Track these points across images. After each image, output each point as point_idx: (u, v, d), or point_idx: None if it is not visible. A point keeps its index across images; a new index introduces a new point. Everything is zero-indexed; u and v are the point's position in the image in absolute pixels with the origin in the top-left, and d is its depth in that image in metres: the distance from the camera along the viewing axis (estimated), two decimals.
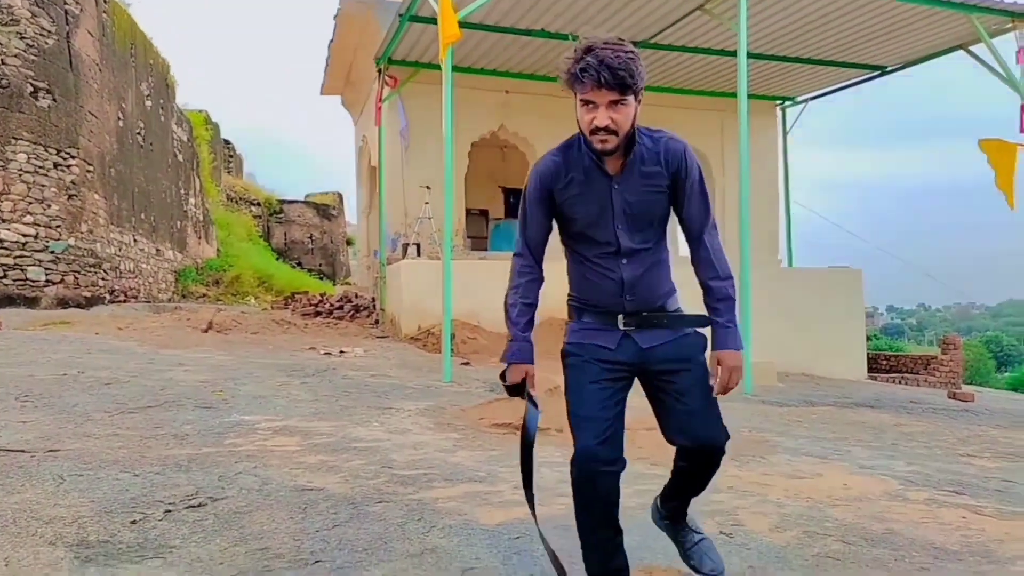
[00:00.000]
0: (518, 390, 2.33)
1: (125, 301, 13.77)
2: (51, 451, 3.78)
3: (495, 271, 11.70)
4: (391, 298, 12.10)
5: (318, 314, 13.05)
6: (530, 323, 2.24)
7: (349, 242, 30.46)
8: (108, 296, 13.21)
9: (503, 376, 2.34)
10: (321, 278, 25.07)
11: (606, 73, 1.90)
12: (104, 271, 13.20)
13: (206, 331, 9.58)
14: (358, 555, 2.70)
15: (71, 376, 5.86)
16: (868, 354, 13.51)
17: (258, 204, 27.36)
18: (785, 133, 15.73)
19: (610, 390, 2.15)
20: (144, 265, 15.85)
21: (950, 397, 10.46)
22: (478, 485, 3.71)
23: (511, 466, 4.15)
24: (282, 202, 28.59)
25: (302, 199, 29.90)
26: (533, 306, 2.25)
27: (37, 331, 8.64)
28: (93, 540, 2.73)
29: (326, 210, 29.42)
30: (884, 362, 15.01)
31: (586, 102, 1.98)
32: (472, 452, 4.50)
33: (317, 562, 2.63)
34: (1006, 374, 39.17)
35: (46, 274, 11.51)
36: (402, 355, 9.43)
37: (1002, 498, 4.14)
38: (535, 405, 2.28)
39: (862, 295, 13.01)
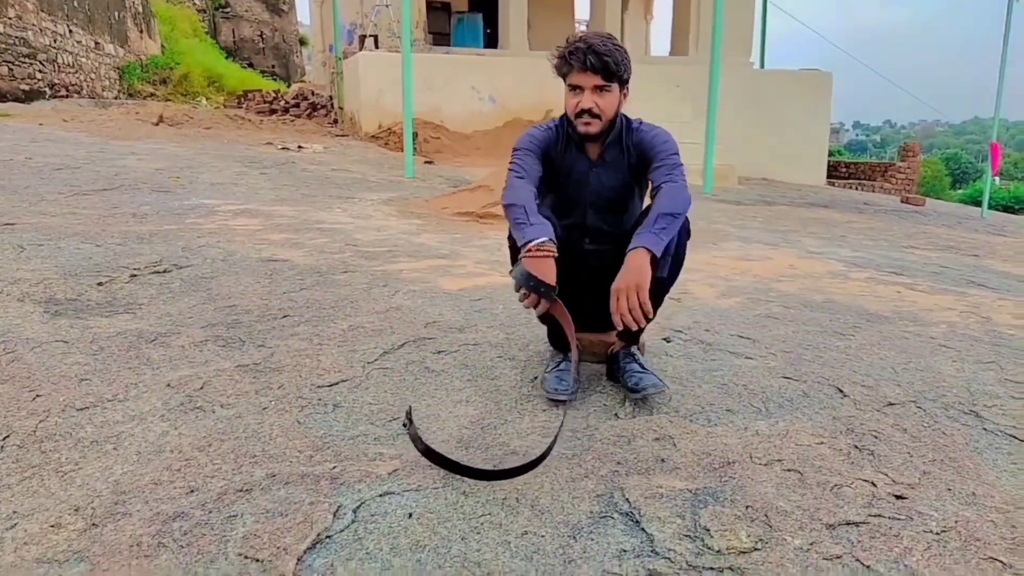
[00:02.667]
0: (541, 289, 1.86)
1: (67, 96, 13.03)
2: (7, 224, 3.73)
3: (459, 66, 11.31)
4: (349, 95, 11.63)
5: (273, 112, 12.55)
6: (538, 211, 2.01)
7: (303, 42, 28.72)
8: (48, 90, 12.48)
9: (523, 277, 1.87)
10: (274, 79, 23.87)
11: (592, 57, 2.00)
12: (40, 63, 12.35)
13: (157, 124, 9.20)
14: (325, 311, 2.80)
15: (19, 162, 5.67)
16: (828, 161, 13.66)
17: None
18: None
19: None
20: (84, 59, 14.84)
21: (903, 201, 10.78)
22: (441, 260, 3.80)
23: (474, 246, 4.25)
24: None
25: None
26: (535, 203, 2.03)
27: None
28: (61, 298, 2.78)
29: (275, 5, 27.38)
30: (843, 169, 15.22)
31: (573, 87, 2.07)
32: (435, 235, 4.57)
33: (285, 316, 2.73)
34: (960, 191, 40.12)
35: None
36: (363, 152, 9.25)
37: (937, 279, 4.40)
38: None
39: (830, 100, 12.89)
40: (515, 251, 2.04)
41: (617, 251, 2.16)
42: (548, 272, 1.90)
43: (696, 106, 10.25)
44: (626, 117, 2.18)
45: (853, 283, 4.00)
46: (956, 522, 1.62)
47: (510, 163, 2.15)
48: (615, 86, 2.08)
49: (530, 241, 1.91)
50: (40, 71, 12.31)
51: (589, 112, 2.06)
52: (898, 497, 1.71)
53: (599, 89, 2.05)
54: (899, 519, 1.62)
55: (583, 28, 17.51)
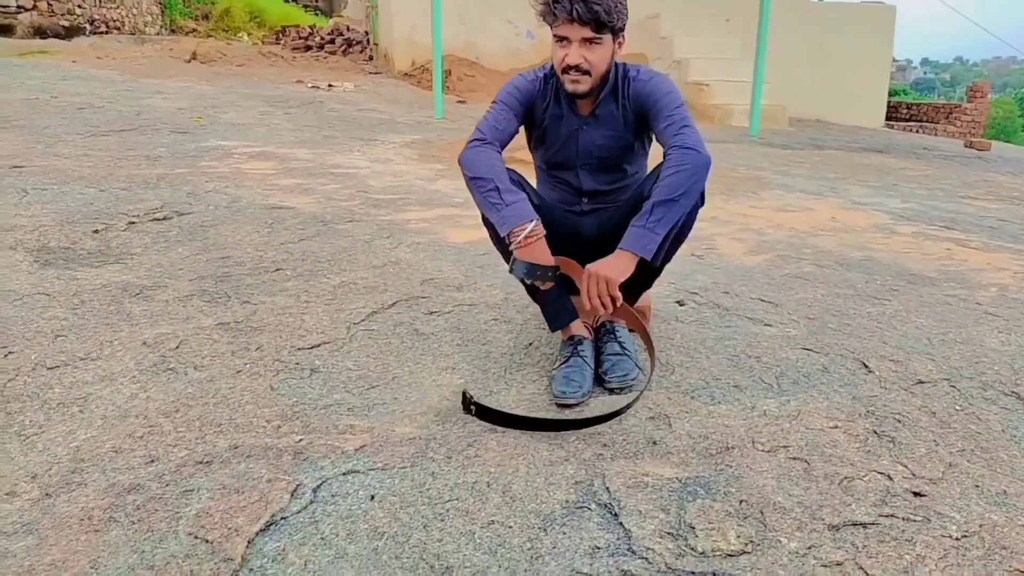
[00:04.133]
0: (548, 274, 1.74)
1: (107, 32, 13.01)
2: (16, 167, 3.68)
3: None
4: (383, 30, 11.30)
5: (308, 48, 12.32)
6: (515, 182, 1.86)
7: None
8: (89, 26, 12.46)
9: (526, 270, 1.74)
10: (317, 14, 23.48)
11: (580, 6, 1.74)
12: None
13: (189, 61, 9.09)
14: (320, 265, 2.68)
15: (43, 100, 5.63)
16: (889, 102, 12.90)
17: None
18: None
19: None
20: None
21: (966, 146, 10.13)
22: (453, 210, 3.62)
23: None
24: None
25: None
26: (505, 170, 1.85)
27: (12, 59, 8.22)
28: (54, 247, 2.71)
29: None
30: (904, 111, 14.37)
31: (560, 38, 1.83)
32: (453, 181, 4.38)
33: (278, 270, 2.61)
34: None
35: None
36: (394, 91, 9.01)
37: (993, 234, 4.06)
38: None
39: (892, 36, 12.06)
40: (491, 225, 1.86)
41: (618, 211, 1.95)
42: (544, 255, 1.74)
43: (747, 42, 9.67)
44: (623, 66, 1.93)
45: (898, 238, 3.71)
46: (980, 526, 1.43)
47: (484, 114, 1.94)
48: (607, 37, 1.81)
49: (513, 230, 1.73)
50: (80, 6, 12.27)
51: (577, 68, 1.81)
52: (916, 494, 1.52)
53: (588, 42, 1.80)
54: (914, 520, 1.44)
55: None
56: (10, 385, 1.86)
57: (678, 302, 2.48)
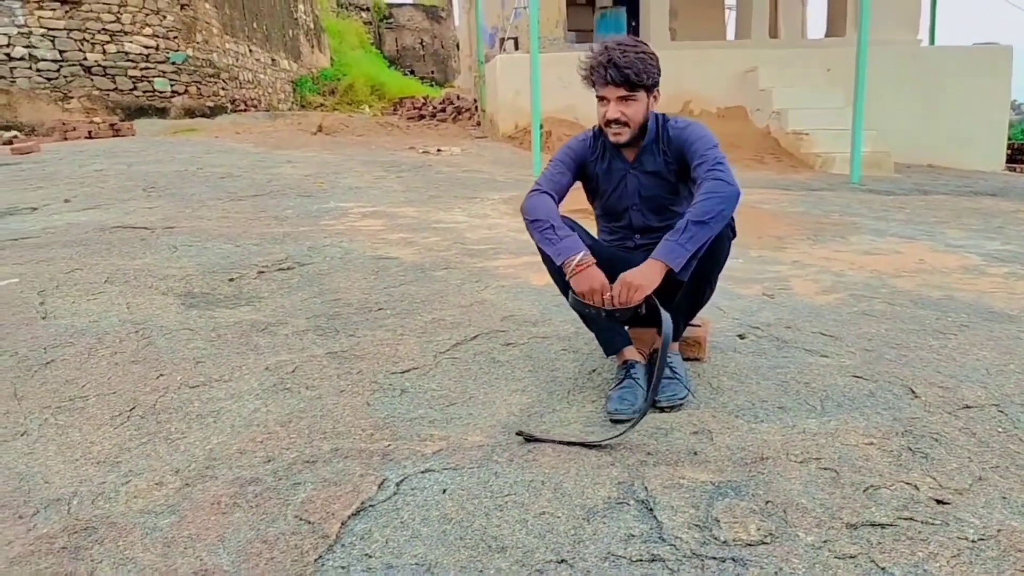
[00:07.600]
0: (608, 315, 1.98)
1: (246, 110, 14.49)
2: (168, 228, 4.31)
3: None
4: (489, 97, 12.02)
5: (422, 117, 13.25)
6: (568, 225, 2.12)
7: (459, 47, 29.86)
8: (230, 105, 13.94)
9: (578, 305, 2.03)
10: (432, 84, 25.01)
11: (612, 71, 2.05)
12: (224, 81, 13.83)
13: (316, 133, 10.04)
14: (416, 305, 3.03)
15: (191, 172, 6.45)
16: (1011, 143, 12.29)
17: (367, 9, 27.05)
18: None
19: None
20: (262, 75, 16.43)
21: None
22: (538, 257, 3.92)
23: None
24: (391, 6, 28.12)
25: (410, 2, 29.24)
26: (559, 214, 2.12)
27: (166, 137, 9.38)
28: (197, 292, 3.20)
29: (435, 12, 28.73)
30: None
31: (601, 98, 2.15)
32: None
33: (380, 309, 2.98)
34: None
35: (171, 85, 12.25)
36: (497, 153, 9.56)
37: None
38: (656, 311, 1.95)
39: (1009, 76, 11.57)
40: (549, 261, 2.16)
41: None
42: (596, 279, 1.98)
43: (850, 90, 9.62)
44: (662, 116, 2.21)
45: (987, 279, 3.68)
46: (999, 531, 1.53)
47: (543, 170, 2.27)
48: (641, 94, 2.11)
49: (565, 261, 2.01)
50: (223, 88, 13.78)
51: (616, 122, 2.12)
52: (939, 502, 1.63)
53: (624, 99, 2.10)
54: (933, 524, 1.56)
55: (732, 13, 16.87)
56: (160, 400, 2.28)
57: (739, 335, 2.65)
